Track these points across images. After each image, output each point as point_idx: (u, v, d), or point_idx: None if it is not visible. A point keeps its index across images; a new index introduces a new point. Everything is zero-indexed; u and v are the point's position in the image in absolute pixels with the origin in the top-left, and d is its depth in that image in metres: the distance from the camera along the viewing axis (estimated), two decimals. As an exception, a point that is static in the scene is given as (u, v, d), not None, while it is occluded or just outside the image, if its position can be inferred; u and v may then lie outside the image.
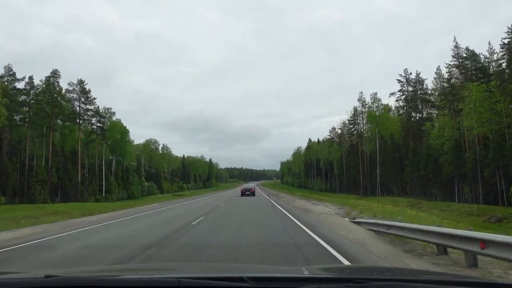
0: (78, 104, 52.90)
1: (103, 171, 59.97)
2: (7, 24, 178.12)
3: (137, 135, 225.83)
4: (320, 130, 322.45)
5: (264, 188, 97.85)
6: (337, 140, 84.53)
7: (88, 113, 54.01)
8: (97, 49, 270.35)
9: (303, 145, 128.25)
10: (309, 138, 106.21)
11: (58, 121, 53.84)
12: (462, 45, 51.53)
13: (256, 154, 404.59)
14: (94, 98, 53.81)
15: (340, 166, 77.09)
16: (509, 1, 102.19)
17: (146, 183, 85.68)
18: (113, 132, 66.65)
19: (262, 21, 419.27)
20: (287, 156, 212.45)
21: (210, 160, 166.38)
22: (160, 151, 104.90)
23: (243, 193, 46.17)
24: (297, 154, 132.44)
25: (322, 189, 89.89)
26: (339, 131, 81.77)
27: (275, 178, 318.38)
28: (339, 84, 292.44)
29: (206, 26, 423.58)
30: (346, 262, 6.60)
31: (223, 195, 53.90)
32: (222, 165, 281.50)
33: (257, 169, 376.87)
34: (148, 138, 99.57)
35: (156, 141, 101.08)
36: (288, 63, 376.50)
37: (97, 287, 1.44)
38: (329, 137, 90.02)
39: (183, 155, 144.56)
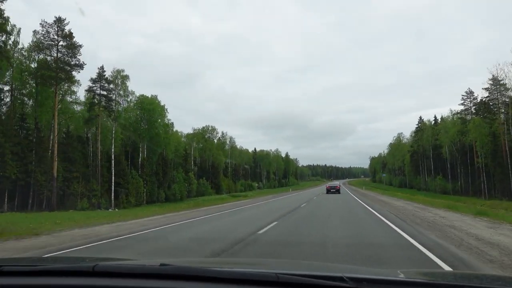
0: (54, 53, 33.39)
1: (113, 162, 40.24)
2: (107, 38, 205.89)
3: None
4: (411, 125, 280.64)
5: (355, 188, 71.29)
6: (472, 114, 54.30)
7: (75, 70, 34.15)
8: (182, 53, 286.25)
9: (389, 140, 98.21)
10: (420, 117, 76.09)
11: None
12: None
13: (340, 151, 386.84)
14: (80, 47, 33.69)
15: (489, 153, 46.89)
16: None
17: (196, 181, 65.62)
18: (135, 110, 47.25)
19: (342, 11, 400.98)
20: (374, 153, 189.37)
21: (287, 154, 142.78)
22: (224, 143, 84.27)
23: (328, 191, 49.13)
24: (395, 144, 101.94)
25: (447, 190, 60.29)
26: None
27: (363, 176, 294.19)
28: (429, 73, 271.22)
29: (284, 22, 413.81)
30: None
31: (290, 201, 31.13)
32: (304, 162, 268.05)
33: (342, 166, 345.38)
34: (204, 125, 79.82)
35: (214, 129, 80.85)
36: (371, 54, 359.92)
37: (207, 277, 1.51)
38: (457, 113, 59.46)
39: (254, 149, 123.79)
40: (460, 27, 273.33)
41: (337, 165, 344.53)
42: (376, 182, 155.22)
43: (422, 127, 72.22)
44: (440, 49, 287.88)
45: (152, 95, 52.36)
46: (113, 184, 39.91)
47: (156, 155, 54.40)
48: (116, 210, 38.08)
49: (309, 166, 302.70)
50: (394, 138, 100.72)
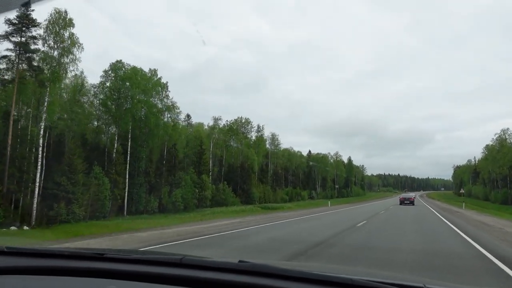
0: None
1: (41, 152, 25.67)
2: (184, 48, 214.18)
3: (287, 142, 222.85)
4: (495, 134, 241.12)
5: (443, 206, 49.42)
6: None
7: None
8: (252, 61, 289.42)
9: (476, 151, 72.96)
10: None
11: None
12: None
13: (416, 161, 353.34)
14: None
15: None
16: None
17: (213, 186, 49.54)
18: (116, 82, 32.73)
19: (417, 10, 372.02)
20: (456, 163, 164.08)
21: (350, 159, 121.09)
22: (261, 140, 67.01)
23: (401, 202, 47.22)
24: (495, 146, 76.01)
25: None
26: None
27: (443, 189, 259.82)
28: None
29: (354, 24, 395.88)
30: None
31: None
32: (375, 172, 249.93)
33: (418, 177, 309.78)
34: (237, 117, 63.61)
35: (248, 122, 64.12)
36: (452, 56, 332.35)
37: (280, 275, 1.58)
38: None
39: (309, 151, 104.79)
40: None
41: (412, 175, 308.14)
42: (463, 195, 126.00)
43: None
44: None
45: (138, 67, 37.57)
46: (37, 186, 25.27)
47: (149, 148, 39.50)
48: (26, 228, 23.33)
49: (379, 176, 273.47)
50: (495, 137, 74.62)
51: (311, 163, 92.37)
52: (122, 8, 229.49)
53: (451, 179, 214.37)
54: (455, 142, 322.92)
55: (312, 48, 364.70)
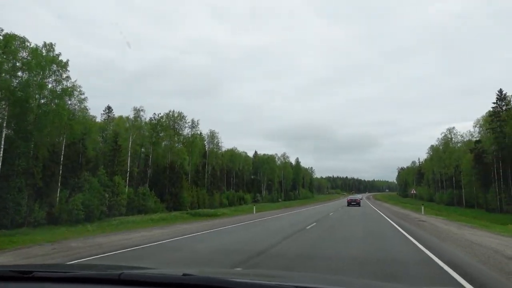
0: None
1: None
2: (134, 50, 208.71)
3: (241, 145, 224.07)
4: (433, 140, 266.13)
5: (391, 208, 45.00)
6: None
7: None
8: (206, 64, 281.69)
9: (420, 155, 71.80)
10: (500, 90, 46.99)
11: None
12: None
13: (363, 164, 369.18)
14: None
15: None
16: None
17: (131, 190, 41.20)
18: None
19: (368, 24, 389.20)
20: (401, 165, 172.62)
21: (298, 161, 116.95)
22: (196, 138, 59.18)
23: (349, 204, 49.00)
24: (439, 147, 74.75)
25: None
26: None
27: (387, 190, 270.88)
28: (458, 86, 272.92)
29: (309, 35, 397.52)
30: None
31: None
32: (325, 174, 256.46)
33: (365, 179, 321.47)
34: (169, 111, 55.37)
35: (182, 116, 56.21)
36: (398, 66, 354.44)
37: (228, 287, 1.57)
38: None
39: (255, 152, 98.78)
40: (492, 39, 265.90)
41: (359, 177, 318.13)
42: (408, 197, 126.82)
43: (496, 113, 44.00)
44: (470, 61, 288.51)
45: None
46: None
47: (34, 141, 30.49)
48: None
49: (328, 178, 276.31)
50: (441, 137, 72.82)
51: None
52: (70, 7, 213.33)
53: (395, 180, 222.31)
54: (399, 146, 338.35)
55: (269, 55, 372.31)
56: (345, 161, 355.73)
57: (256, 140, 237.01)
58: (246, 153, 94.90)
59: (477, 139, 51.87)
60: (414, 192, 37.85)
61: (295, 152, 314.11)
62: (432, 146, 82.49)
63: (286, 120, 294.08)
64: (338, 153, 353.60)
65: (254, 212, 36.40)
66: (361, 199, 61.81)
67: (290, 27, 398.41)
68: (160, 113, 52.06)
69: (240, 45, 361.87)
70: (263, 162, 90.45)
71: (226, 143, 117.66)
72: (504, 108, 44.07)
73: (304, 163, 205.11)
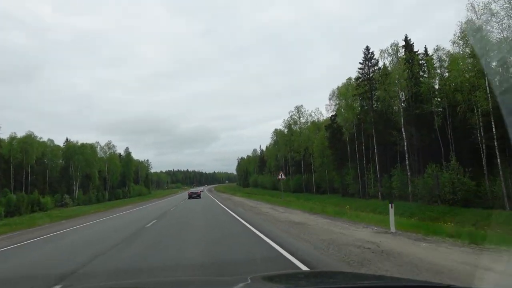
0: None
1: None
2: None
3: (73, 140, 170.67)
4: (270, 133, 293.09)
5: (233, 199, 33.59)
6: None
7: None
8: (25, 44, 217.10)
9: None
10: (367, 47, 38.91)
11: None
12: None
13: (205, 157, 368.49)
14: None
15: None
16: None
17: None
18: None
19: (211, 20, 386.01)
20: (236, 160, 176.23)
21: (128, 152, 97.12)
22: None
23: (190, 196, 48.85)
24: (283, 132, 68.95)
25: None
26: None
27: (227, 181, 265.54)
28: (289, 85, 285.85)
29: (151, 25, 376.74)
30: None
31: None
32: (166, 169, 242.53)
33: (206, 171, 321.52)
34: None
35: None
36: (237, 64, 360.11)
37: None
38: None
39: (66, 139, 74.51)
40: (315, 46, 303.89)
41: (200, 170, 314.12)
42: (249, 186, 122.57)
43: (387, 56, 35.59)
44: (299, 63, 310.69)
45: None
46: None
47: None
48: None
49: (168, 172, 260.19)
50: (288, 118, 65.80)
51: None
52: None
53: (235, 172, 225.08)
54: (237, 139, 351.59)
55: (105, 41, 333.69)
56: (187, 155, 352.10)
57: (91, 134, 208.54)
58: (52, 141, 70.38)
59: (333, 113, 45.40)
60: (283, 177, 27.47)
61: (135, 146, 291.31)
62: (276, 130, 76.56)
63: (127, 113, 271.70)
64: (180, 147, 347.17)
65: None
66: (202, 191, 63.72)
67: (131, 15, 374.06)
68: None
69: (71, 26, 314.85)
70: (76, 153, 67.89)
71: (52, 137, 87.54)
72: (371, 70, 37.73)
73: (144, 157, 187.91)
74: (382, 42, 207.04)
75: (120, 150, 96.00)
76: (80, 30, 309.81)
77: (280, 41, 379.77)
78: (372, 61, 37.18)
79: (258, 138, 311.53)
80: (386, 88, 33.84)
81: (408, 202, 33.04)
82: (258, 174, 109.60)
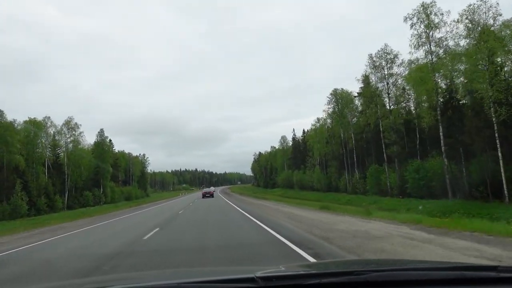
0: None
1: None
2: None
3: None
4: (277, 135, 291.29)
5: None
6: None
7: None
8: (31, 45, 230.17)
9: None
10: None
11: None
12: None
13: (214, 159, 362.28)
14: None
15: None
16: None
17: None
18: None
19: (214, 22, 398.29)
20: (246, 161, 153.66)
21: (103, 135, 66.73)
22: None
23: (204, 196, 53.12)
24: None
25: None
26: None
27: (239, 183, 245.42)
28: (294, 86, 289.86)
29: (155, 28, 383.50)
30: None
31: None
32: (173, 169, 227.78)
33: (216, 172, 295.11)
34: None
35: None
36: (243, 64, 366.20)
37: None
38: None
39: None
40: (317, 46, 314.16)
41: (210, 170, 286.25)
42: (277, 187, 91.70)
43: None
44: (303, 64, 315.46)
45: None
46: None
47: None
48: None
49: (174, 172, 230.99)
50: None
51: None
52: None
53: (246, 172, 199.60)
54: (246, 141, 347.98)
55: (111, 43, 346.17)
56: (196, 156, 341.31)
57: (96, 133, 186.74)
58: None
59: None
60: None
61: (143, 148, 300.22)
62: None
63: (133, 114, 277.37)
64: (189, 148, 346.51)
65: None
66: (214, 191, 67.01)
67: (134, 17, 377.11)
68: None
69: (76, 28, 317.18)
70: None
71: None
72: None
73: (157, 160, 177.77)
74: (389, 40, 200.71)
75: (128, 150, 65.54)
76: (85, 33, 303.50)
77: (281, 42, 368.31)
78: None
79: (266, 140, 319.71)
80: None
81: None
82: (292, 170, 78.53)
